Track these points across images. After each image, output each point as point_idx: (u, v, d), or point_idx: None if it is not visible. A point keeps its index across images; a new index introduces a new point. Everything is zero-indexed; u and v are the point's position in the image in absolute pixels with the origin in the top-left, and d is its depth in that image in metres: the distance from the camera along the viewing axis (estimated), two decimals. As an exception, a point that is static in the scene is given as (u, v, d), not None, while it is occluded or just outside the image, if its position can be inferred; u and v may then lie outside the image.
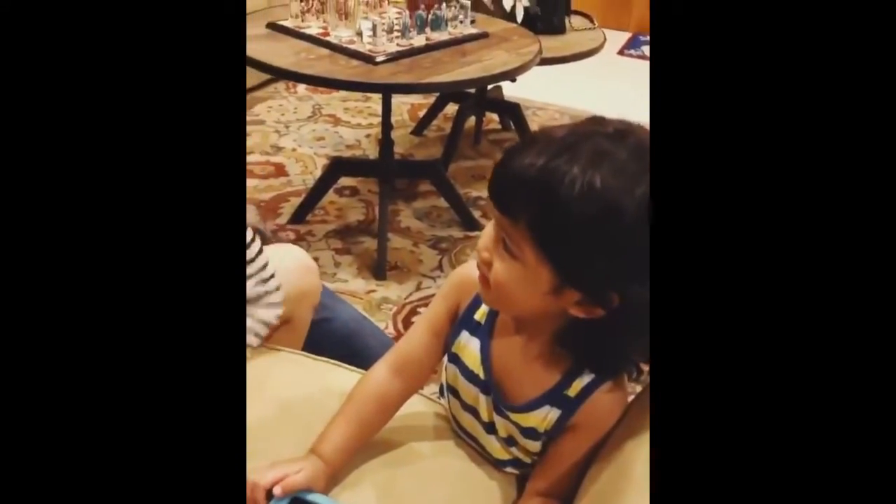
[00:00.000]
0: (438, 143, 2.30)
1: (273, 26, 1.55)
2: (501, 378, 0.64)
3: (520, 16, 1.85)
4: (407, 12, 1.55)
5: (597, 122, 0.56)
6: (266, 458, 0.64)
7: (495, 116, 2.41)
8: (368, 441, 0.68)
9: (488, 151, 2.31)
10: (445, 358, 0.69)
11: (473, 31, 1.62)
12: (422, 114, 2.39)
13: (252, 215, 1.84)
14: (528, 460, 0.67)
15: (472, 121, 2.29)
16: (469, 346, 0.66)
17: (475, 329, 0.65)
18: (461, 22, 1.61)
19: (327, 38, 1.49)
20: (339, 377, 0.81)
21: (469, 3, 1.63)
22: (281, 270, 0.93)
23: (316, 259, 1.69)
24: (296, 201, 1.90)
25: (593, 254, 0.52)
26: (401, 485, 0.68)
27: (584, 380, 0.61)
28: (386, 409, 0.69)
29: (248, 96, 2.39)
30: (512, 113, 2.25)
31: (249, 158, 2.12)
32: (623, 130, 0.54)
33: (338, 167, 1.87)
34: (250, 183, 1.99)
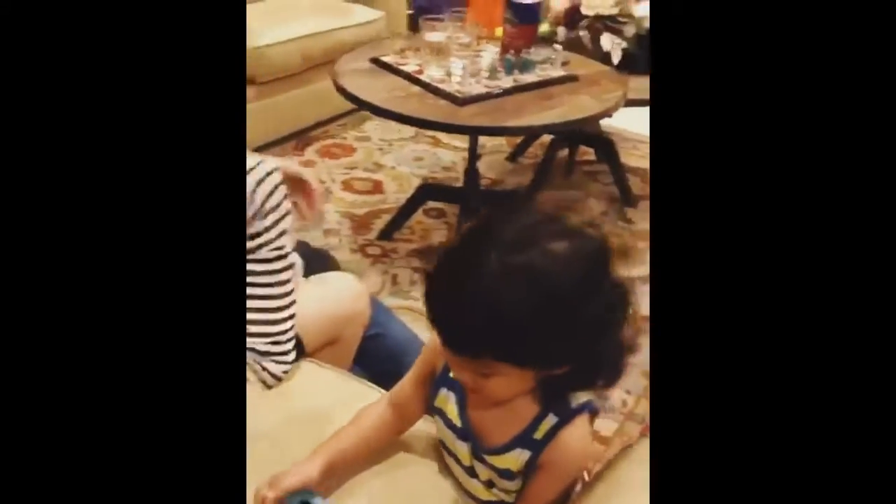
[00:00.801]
0: (531, 170, 2.36)
1: (375, 61, 1.70)
2: (478, 426, 0.72)
3: (616, 57, 1.88)
4: (498, 54, 1.63)
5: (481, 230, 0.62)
6: (278, 466, 0.75)
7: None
8: (365, 457, 0.79)
9: (580, 183, 2.34)
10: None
11: (562, 73, 1.68)
12: (518, 140, 2.47)
13: (344, 229, 2.01)
14: (510, 500, 0.74)
15: (567, 150, 2.34)
16: (448, 400, 0.74)
17: (452, 385, 0.73)
18: (550, 65, 1.68)
19: (420, 77, 1.60)
20: (370, 397, 0.91)
21: (560, 47, 1.69)
22: (334, 295, 1.05)
23: (395, 275, 1.83)
24: (387, 218, 2.04)
25: (560, 345, 0.59)
26: (393, 495, 0.78)
27: (549, 422, 0.68)
28: (380, 436, 0.79)
29: (358, 114, 2.57)
30: (605, 148, 2.27)
31: (352, 174, 2.29)
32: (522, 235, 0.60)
33: (425, 192, 1.99)
34: (349, 197, 2.16)
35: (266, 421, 0.86)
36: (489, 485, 0.74)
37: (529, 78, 1.62)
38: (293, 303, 0.95)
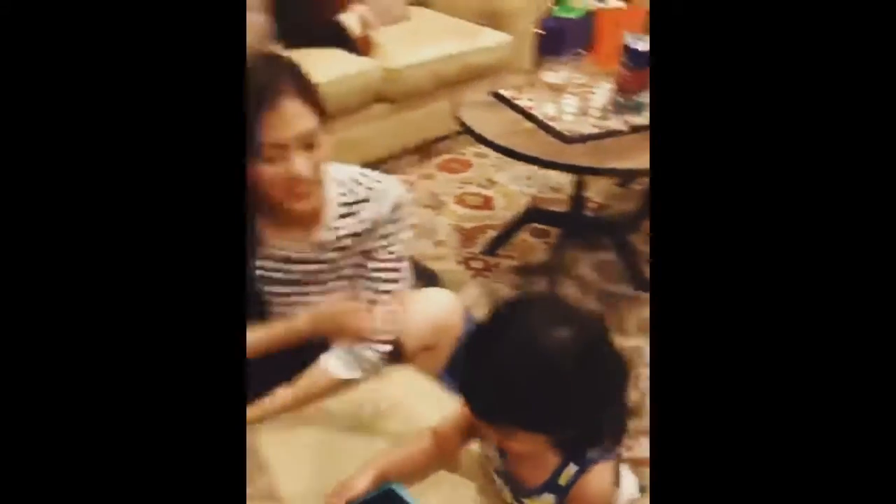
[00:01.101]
0: (640, 197, 2.43)
1: (495, 94, 1.86)
2: (515, 471, 0.85)
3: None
4: (609, 95, 1.74)
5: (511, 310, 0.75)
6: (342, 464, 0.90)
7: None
8: (409, 477, 0.91)
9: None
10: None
11: (670, 117, 1.75)
12: (629, 168, 2.53)
13: (452, 241, 2.19)
14: None
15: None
16: (490, 447, 0.87)
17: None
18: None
19: (534, 113, 1.74)
20: (450, 405, 1.08)
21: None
22: (433, 310, 1.22)
23: (494, 289, 1.98)
24: (493, 234, 2.20)
25: (566, 414, 0.72)
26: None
27: (570, 471, 0.80)
28: (424, 462, 0.92)
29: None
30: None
31: (465, 189, 2.47)
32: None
33: (531, 214, 2.13)
34: (459, 211, 2.34)
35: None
36: None
37: (638, 120, 1.71)
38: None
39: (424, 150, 2.67)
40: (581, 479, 0.80)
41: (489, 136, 1.66)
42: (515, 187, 2.48)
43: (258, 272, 1.10)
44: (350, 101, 2.30)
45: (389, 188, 1.11)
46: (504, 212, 2.34)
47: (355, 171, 1.13)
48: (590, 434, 0.77)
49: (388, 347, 1.13)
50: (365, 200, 1.09)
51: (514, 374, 0.69)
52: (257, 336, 1.03)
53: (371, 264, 1.12)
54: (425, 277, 1.41)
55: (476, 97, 1.86)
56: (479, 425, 0.78)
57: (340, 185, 1.09)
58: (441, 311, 1.24)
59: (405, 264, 1.15)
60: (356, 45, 2.33)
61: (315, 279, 1.12)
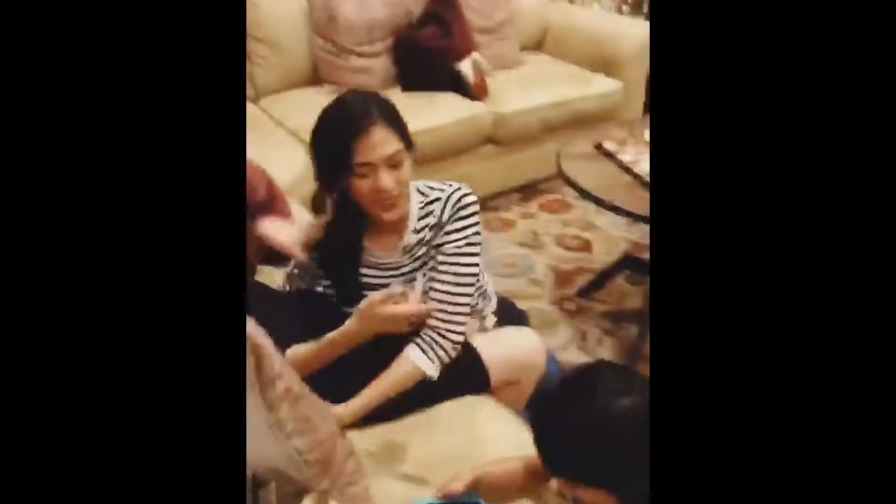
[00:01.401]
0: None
1: (598, 146, 1.94)
2: None
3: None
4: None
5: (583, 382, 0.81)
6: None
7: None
8: (496, 493, 1.02)
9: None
10: None
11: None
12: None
13: (549, 281, 2.27)
14: None
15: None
16: None
17: None
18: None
19: (632, 168, 1.81)
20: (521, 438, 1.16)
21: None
22: (519, 348, 1.32)
23: (585, 332, 2.05)
24: (589, 276, 2.26)
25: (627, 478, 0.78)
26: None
27: None
28: (512, 485, 1.01)
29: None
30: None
31: (565, 230, 2.55)
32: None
33: (627, 262, 2.18)
34: (558, 252, 2.42)
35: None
36: None
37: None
38: (467, 302, 1.25)
39: (529, 189, 2.78)
40: None
41: (587, 187, 1.75)
42: (615, 232, 2.53)
43: (363, 279, 1.27)
44: (462, 141, 2.46)
45: (454, 190, 1.26)
46: (602, 256, 2.39)
47: (425, 182, 1.30)
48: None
49: (461, 339, 1.25)
50: (436, 200, 1.25)
51: (582, 436, 0.78)
52: (311, 348, 1.20)
53: (439, 257, 1.25)
54: (515, 316, 1.51)
55: (579, 148, 1.95)
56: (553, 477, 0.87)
57: (417, 194, 1.27)
58: (525, 349, 1.34)
59: (473, 260, 1.25)
60: (471, 91, 2.49)
61: (405, 279, 1.28)
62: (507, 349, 1.32)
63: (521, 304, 2.14)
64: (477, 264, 1.26)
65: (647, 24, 2.98)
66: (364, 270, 1.28)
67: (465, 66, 2.48)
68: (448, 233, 1.25)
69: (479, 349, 1.29)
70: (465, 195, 1.25)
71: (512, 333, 1.38)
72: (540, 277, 2.30)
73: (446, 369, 1.24)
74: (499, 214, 2.64)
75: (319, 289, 1.29)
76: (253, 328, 0.75)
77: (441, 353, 1.24)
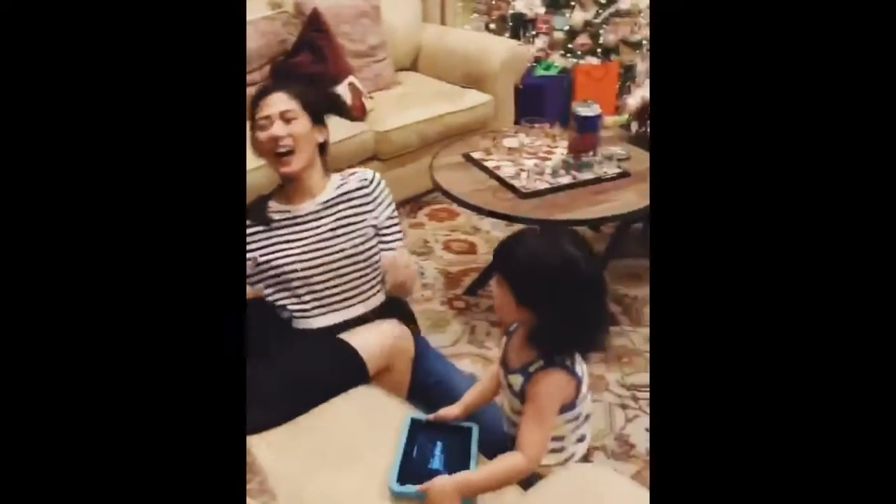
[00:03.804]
0: (610, 240, 2.67)
1: (466, 156, 2.13)
2: (508, 358, 1.18)
3: (676, 152, 2.17)
4: (561, 157, 2.00)
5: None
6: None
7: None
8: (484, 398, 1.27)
9: (653, 253, 2.61)
10: None
11: (617, 171, 2.01)
12: (601, 212, 2.78)
13: (439, 284, 2.44)
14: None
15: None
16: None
17: (508, 333, 1.22)
18: (608, 161, 2.01)
19: (498, 172, 2.01)
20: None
21: (618, 150, 2.01)
22: (385, 335, 1.46)
23: (474, 327, 2.22)
24: (475, 276, 2.44)
25: (528, 289, 1.06)
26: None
27: (538, 364, 1.10)
28: (491, 388, 1.28)
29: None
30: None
31: (452, 236, 2.73)
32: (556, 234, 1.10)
33: (505, 257, 2.38)
34: (447, 256, 2.60)
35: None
36: (509, 399, 1.17)
37: (586, 176, 1.97)
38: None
39: (416, 201, 2.95)
40: (540, 373, 1.10)
41: (459, 194, 1.93)
42: (497, 233, 2.73)
43: (280, 237, 1.47)
44: (346, 160, 2.59)
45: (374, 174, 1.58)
46: (486, 256, 2.58)
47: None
48: (568, 341, 1.10)
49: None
50: (350, 175, 1.56)
51: (526, 265, 1.06)
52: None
53: (381, 235, 1.52)
54: (396, 306, 1.64)
55: (449, 159, 2.14)
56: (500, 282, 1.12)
57: (338, 175, 1.58)
58: (390, 335, 1.48)
59: (398, 222, 1.58)
60: (349, 112, 2.63)
61: (322, 234, 1.48)
62: (376, 338, 1.45)
63: (416, 307, 2.30)
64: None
65: (513, 41, 3.24)
66: (279, 230, 1.48)
67: (343, 89, 2.62)
68: (373, 200, 1.53)
69: (351, 342, 1.41)
70: (373, 175, 1.57)
71: (377, 325, 1.51)
72: (431, 281, 2.46)
73: (328, 366, 1.36)
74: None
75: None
76: None
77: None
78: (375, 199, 1.54)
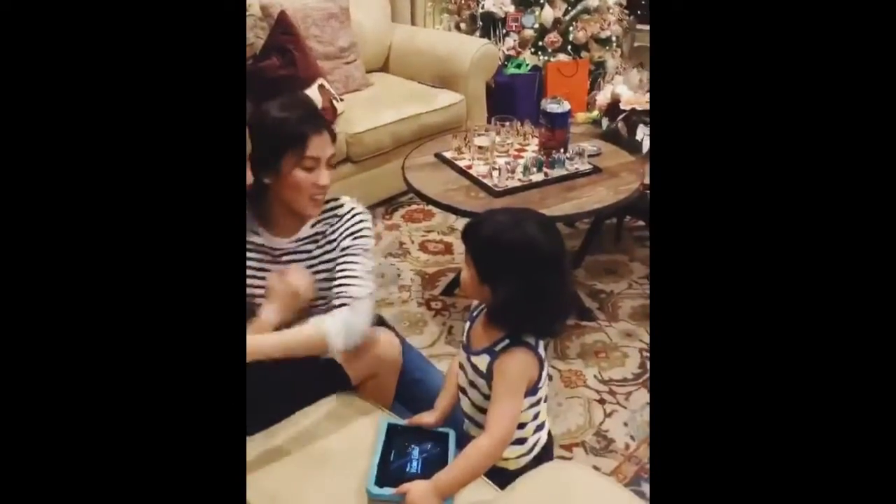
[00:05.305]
0: (585, 235, 2.68)
1: (438, 156, 2.12)
2: (472, 341, 1.17)
3: (646, 147, 2.18)
4: (532, 154, 2.00)
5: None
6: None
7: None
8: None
9: (628, 247, 2.63)
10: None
11: (588, 167, 2.02)
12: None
13: (415, 285, 2.43)
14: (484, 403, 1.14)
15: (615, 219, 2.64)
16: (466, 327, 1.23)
17: (472, 318, 1.22)
18: (580, 158, 2.02)
19: (470, 171, 2.00)
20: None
21: (589, 147, 2.02)
22: (371, 342, 1.45)
23: (451, 327, 2.21)
24: (451, 276, 2.44)
25: (489, 266, 1.07)
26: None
27: (503, 343, 1.10)
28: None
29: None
30: (648, 216, 2.54)
31: (428, 236, 2.73)
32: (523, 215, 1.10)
33: (481, 256, 2.37)
34: (423, 257, 2.59)
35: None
36: (471, 385, 1.16)
37: (558, 172, 1.97)
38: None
39: (392, 203, 2.93)
40: (506, 353, 1.09)
41: (431, 194, 1.92)
42: (473, 232, 2.73)
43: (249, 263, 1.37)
44: (319, 164, 2.57)
45: (351, 207, 1.43)
46: (463, 256, 2.58)
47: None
48: (525, 320, 1.10)
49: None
50: (333, 209, 1.41)
51: (495, 235, 1.08)
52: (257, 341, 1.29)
53: (337, 274, 1.36)
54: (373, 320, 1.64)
55: (421, 159, 2.13)
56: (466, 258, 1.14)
57: None
58: (377, 343, 1.46)
59: (365, 265, 1.38)
60: (321, 115, 2.61)
61: (281, 265, 1.39)
62: (361, 345, 1.43)
63: (393, 309, 2.28)
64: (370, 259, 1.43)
65: (483, 39, 3.24)
66: (252, 255, 1.39)
67: (312, 92, 2.60)
68: (348, 236, 1.39)
69: None
70: (360, 213, 1.42)
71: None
72: (407, 283, 2.45)
73: (308, 372, 1.34)
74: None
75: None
76: None
77: (358, 338, 1.32)
78: (341, 234, 1.41)
